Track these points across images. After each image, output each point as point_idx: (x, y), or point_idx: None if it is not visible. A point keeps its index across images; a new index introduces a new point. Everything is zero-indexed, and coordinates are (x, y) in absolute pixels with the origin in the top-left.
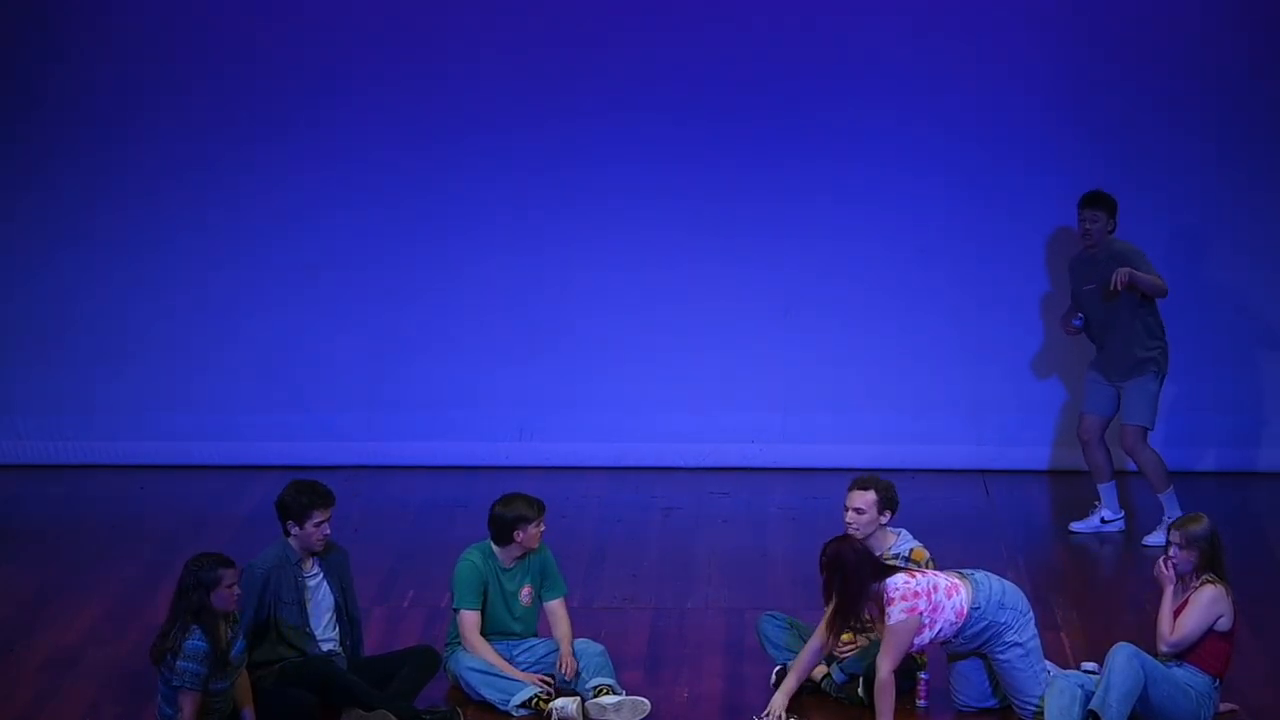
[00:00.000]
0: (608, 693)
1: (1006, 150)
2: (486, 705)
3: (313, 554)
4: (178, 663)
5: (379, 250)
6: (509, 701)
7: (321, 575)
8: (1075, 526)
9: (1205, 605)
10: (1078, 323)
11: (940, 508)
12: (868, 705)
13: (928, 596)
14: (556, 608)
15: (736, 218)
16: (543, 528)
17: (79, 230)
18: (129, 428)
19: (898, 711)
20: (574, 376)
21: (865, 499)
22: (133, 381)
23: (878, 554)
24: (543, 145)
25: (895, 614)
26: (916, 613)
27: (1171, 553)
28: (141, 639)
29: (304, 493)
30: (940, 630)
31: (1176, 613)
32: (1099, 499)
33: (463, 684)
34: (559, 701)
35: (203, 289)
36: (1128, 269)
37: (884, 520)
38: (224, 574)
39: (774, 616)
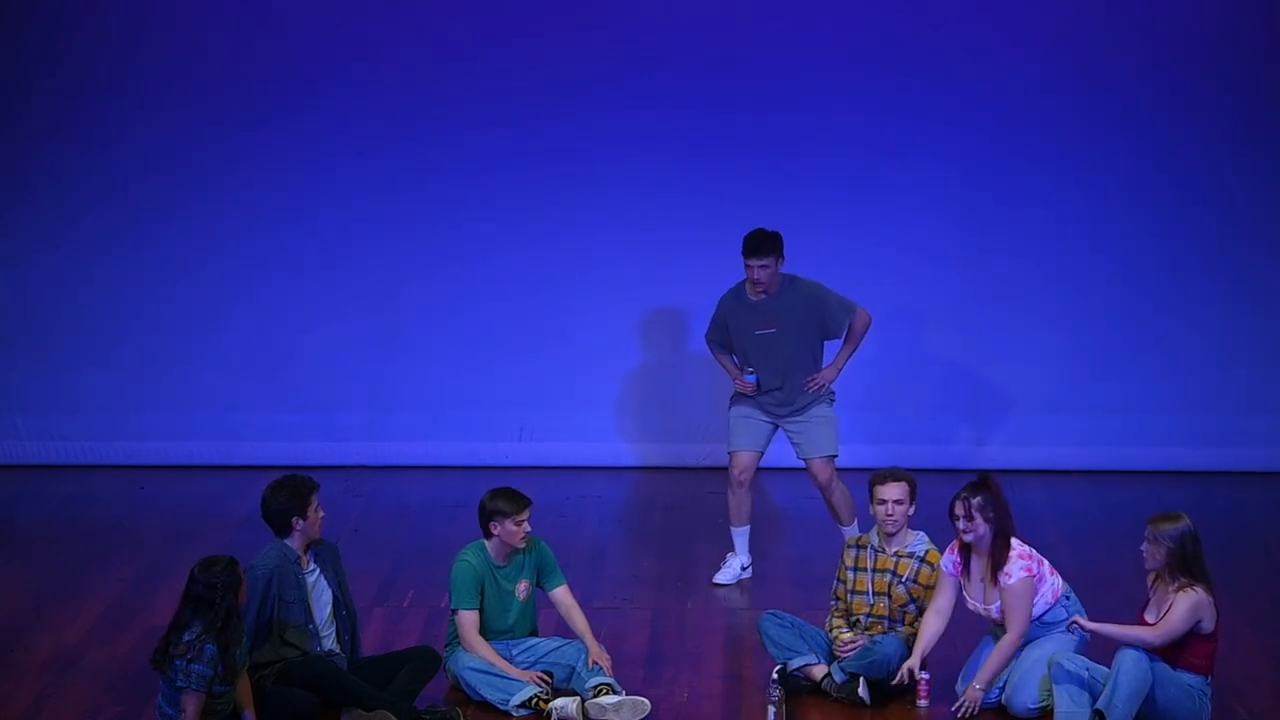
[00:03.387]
0: (608, 693)
1: (1010, 147)
2: (486, 705)
3: (311, 545)
4: (190, 665)
5: (379, 250)
6: (509, 701)
7: (319, 571)
8: (718, 579)
9: (1183, 614)
10: (752, 379)
11: (941, 508)
12: (868, 705)
13: (1039, 563)
14: (563, 596)
15: (738, 216)
16: (526, 526)
17: (79, 231)
18: (129, 428)
19: (898, 712)
20: (574, 376)
21: (896, 490)
22: (132, 382)
23: (892, 550)
24: (545, 143)
25: (1016, 572)
26: (1032, 574)
27: (1142, 547)
28: (141, 639)
29: (295, 486)
30: (1037, 604)
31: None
32: (734, 547)
33: (463, 684)
34: (559, 701)
35: (202, 289)
36: (832, 375)
37: (910, 513)
38: (240, 572)
39: (776, 615)
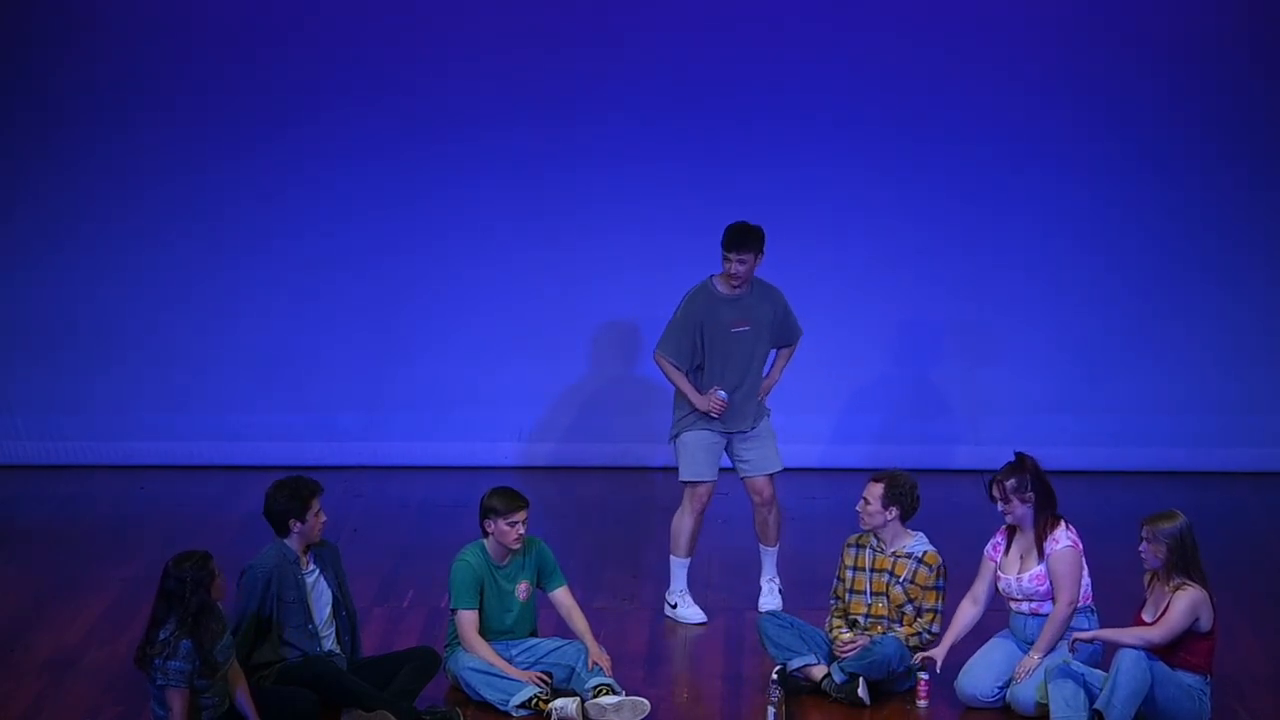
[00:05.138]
0: (607, 693)
1: (1004, 150)
2: (486, 705)
3: (310, 546)
4: (168, 663)
5: (379, 250)
6: (509, 702)
7: (318, 571)
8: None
9: (1182, 612)
10: (724, 395)
11: (940, 508)
12: (868, 705)
13: (1080, 546)
14: (563, 598)
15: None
16: (520, 527)
17: (78, 231)
18: (129, 428)
19: (898, 712)
20: (574, 376)
21: (873, 491)
22: (133, 382)
23: (890, 550)
24: (543, 146)
25: (1062, 539)
26: (1077, 547)
27: (1141, 547)
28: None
29: (296, 488)
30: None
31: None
32: (673, 576)
33: (462, 684)
34: (558, 702)
35: (202, 289)
36: (769, 386)
37: (889, 516)
38: (213, 566)
39: (776, 616)
